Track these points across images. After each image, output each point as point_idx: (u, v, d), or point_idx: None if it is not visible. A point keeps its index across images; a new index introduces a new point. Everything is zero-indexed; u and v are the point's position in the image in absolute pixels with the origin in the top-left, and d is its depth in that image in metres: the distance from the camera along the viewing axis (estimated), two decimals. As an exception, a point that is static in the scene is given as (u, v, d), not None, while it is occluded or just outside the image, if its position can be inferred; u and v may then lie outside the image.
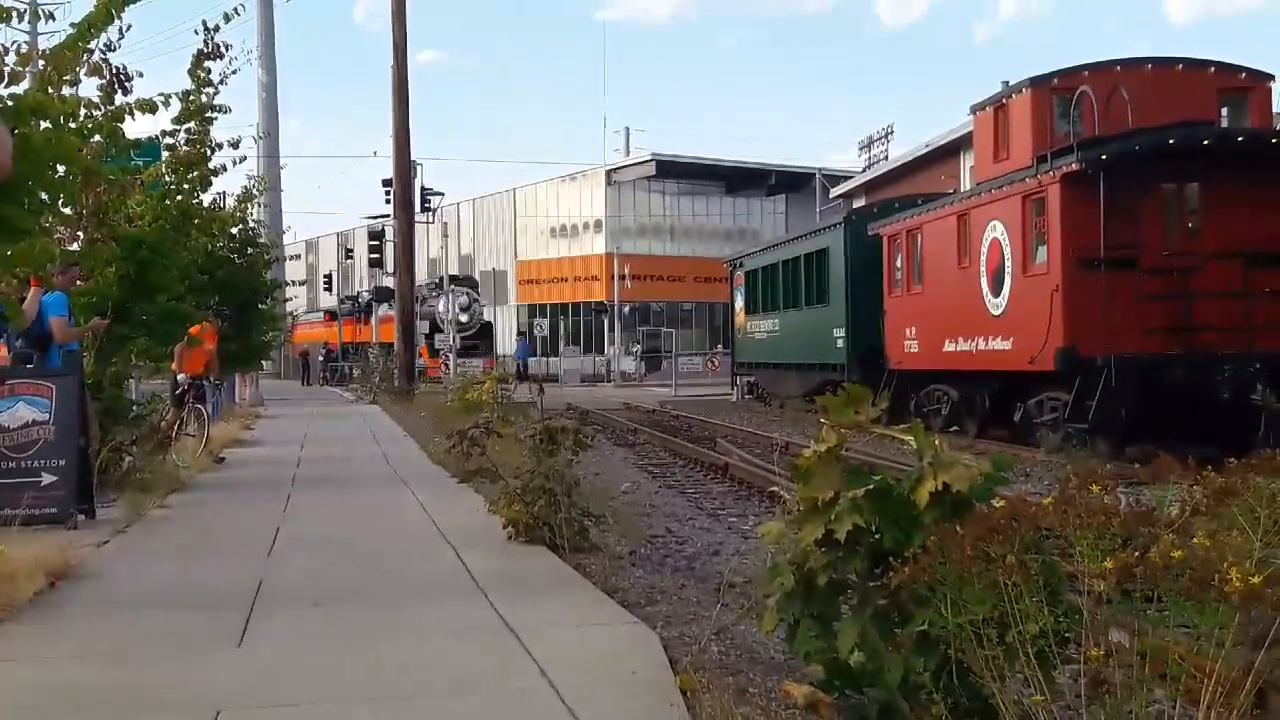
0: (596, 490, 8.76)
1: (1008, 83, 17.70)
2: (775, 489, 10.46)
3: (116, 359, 10.92)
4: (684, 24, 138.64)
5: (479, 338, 39.33)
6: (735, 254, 33.05)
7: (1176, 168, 14.00)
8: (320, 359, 53.00)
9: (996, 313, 15.79)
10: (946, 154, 34.35)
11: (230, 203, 19.24)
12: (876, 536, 3.26)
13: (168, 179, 11.52)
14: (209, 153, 11.92)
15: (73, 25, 7.93)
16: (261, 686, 4.08)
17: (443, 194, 33.81)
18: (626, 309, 55.11)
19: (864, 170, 46.21)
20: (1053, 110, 15.42)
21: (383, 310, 40.94)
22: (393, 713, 3.80)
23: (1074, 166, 13.81)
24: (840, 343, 22.08)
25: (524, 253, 61.06)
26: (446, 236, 36.44)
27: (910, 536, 3.15)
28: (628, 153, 60.75)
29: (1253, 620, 2.67)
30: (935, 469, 3.20)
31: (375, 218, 39.50)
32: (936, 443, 3.30)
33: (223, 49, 11.11)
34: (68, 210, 8.76)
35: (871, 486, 3.30)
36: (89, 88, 8.86)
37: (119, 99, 8.97)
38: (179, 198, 11.70)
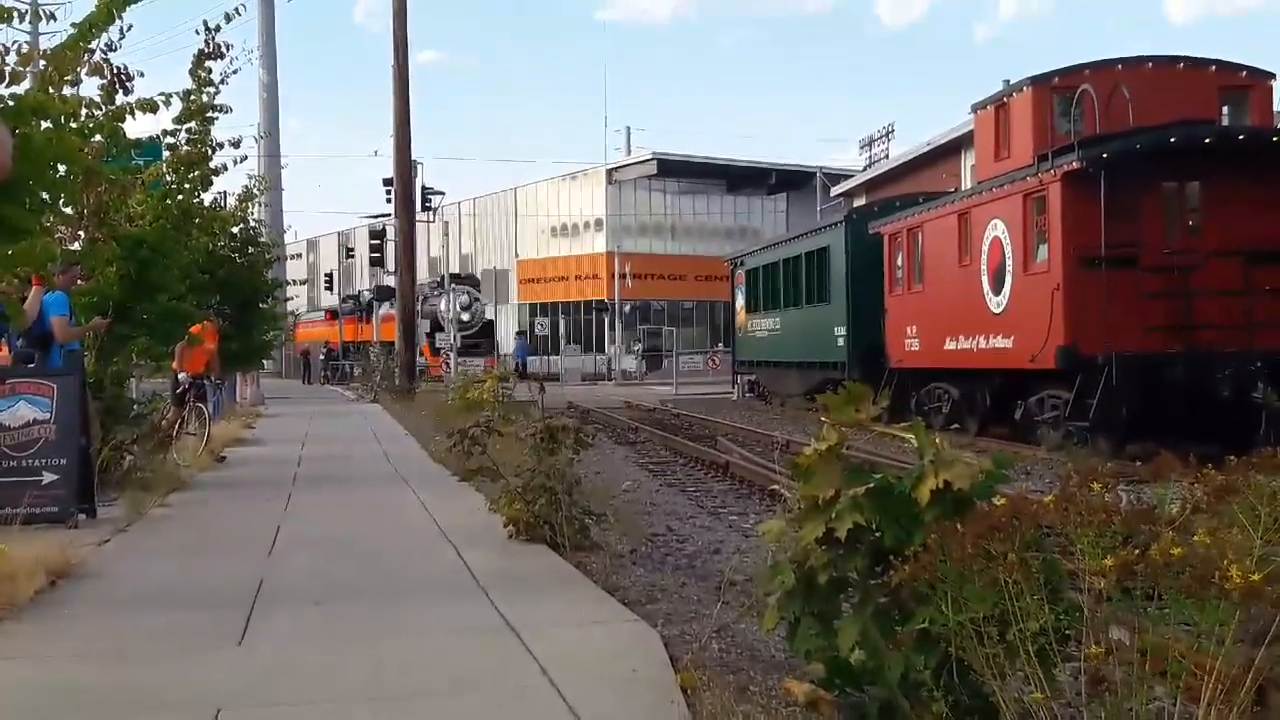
0: (597, 489, 8.77)
1: (1008, 82, 17.69)
2: (776, 487, 10.45)
3: (117, 358, 10.93)
4: (684, 24, 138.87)
5: (482, 336, 39.39)
6: (736, 253, 33.04)
7: (1177, 166, 13.99)
8: (321, 358, 52.95)
9: (997, 311, 15.78)
10: (947, 153, 34.33)
11: (231, 202, 19.28)
12: (877, 534, 3.26)
13: (169, 178, 11.52)
14: (210, 152, 11.93)
15: (74, 25, 7.93)
16: (262, 686, 4.08)
17: (444, 193, 33.90)
18: (627, 308, 55.10)
19: (865, 169, 46.19)
20: (1054, 109, 15.41)
21: (384, 309, 40.88)
22: (393, 712, 3.80)
23: (1075, 165, 13.79)
24: (841, 341, 22.07)
25: (525, 252, 61.00)
26: (447, 235, 36.43)
27: (911, 534, 3.15)
28: (628, 152, 60.75)
29: (1253, 617, 2.67)
30: (936, 467, 3.20)
31: (376, 217, 39.57)
32: (937, 441, 3.30)
33: (224, 49, 11.13)
34: (69, 210, 8.76)
35: (872, 484, 3.30)
36: (90, 88, 8.86)
37: (120, 99, 8.95)
38: (180, 197, 11.70)
